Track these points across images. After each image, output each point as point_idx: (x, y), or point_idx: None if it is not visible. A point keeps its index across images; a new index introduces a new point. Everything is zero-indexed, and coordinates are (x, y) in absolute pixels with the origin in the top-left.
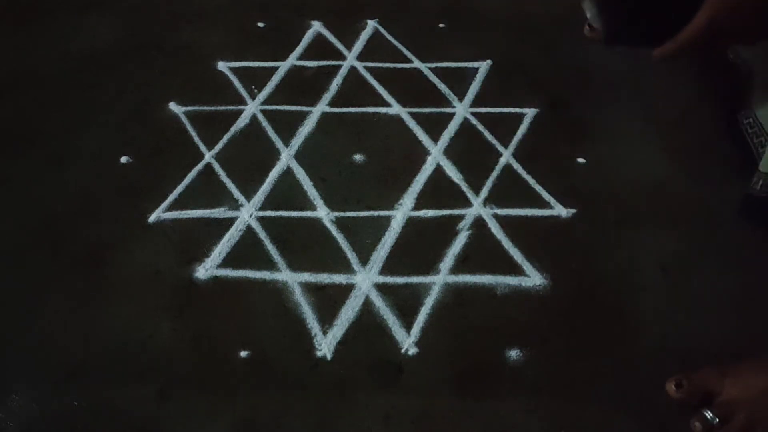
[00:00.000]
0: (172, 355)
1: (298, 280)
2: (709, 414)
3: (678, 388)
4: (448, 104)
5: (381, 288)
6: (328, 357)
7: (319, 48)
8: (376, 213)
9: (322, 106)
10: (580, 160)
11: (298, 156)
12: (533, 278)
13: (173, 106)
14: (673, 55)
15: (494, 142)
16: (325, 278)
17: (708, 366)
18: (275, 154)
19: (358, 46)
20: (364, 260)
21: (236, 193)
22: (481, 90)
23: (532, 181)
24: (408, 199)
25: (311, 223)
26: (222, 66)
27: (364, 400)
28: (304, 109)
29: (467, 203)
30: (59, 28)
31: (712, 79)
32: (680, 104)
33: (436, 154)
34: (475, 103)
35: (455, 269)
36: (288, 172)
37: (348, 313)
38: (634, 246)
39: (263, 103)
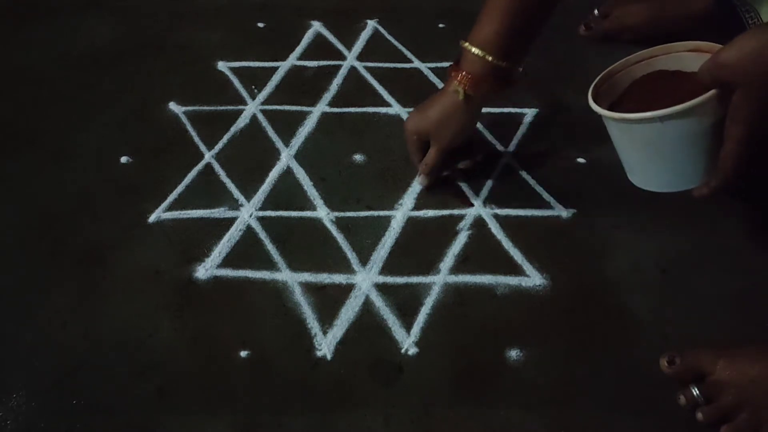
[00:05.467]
0: (172, 354)
1: (298, 280)
2: (695, 391)
3: (670, 364)
4: None
5: (381, 288)
6: (328, 357)
7: (319, 48)
8: (376, 213)
9: (322, 106)
10: (580, 160)
11: (298, 156)
12: (533, 278)
13: (173, 106)
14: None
15: (494, 142)
16: (325, 278)
17: (704, 347)
18: (275, 154)
19: (358, 46)
20: (364, 260)
21: (236, 193)
22: None
23: (532, 181)
24: (408, 199)
25: (311, 223)
26: (222, 66)
27: (364, 400)
28: (304, 109)
29: (467, 203)
30: (59, 28)
31: None
32: None
33: None
34: None
35: (455, 269)
36: (288, 172)
37: (348, 313)
38: (633, 246)
39: (263, 103)
